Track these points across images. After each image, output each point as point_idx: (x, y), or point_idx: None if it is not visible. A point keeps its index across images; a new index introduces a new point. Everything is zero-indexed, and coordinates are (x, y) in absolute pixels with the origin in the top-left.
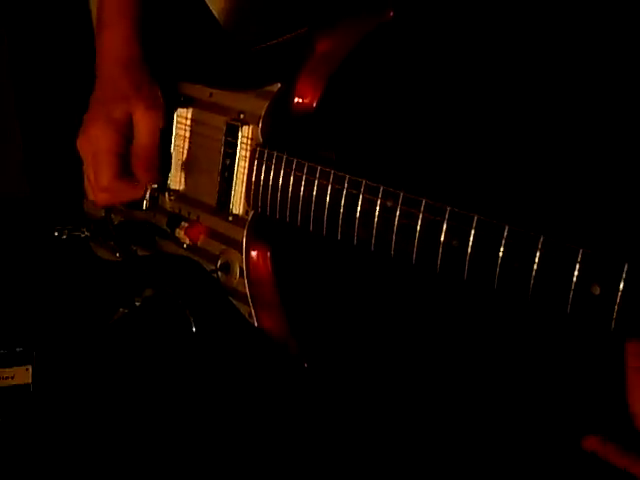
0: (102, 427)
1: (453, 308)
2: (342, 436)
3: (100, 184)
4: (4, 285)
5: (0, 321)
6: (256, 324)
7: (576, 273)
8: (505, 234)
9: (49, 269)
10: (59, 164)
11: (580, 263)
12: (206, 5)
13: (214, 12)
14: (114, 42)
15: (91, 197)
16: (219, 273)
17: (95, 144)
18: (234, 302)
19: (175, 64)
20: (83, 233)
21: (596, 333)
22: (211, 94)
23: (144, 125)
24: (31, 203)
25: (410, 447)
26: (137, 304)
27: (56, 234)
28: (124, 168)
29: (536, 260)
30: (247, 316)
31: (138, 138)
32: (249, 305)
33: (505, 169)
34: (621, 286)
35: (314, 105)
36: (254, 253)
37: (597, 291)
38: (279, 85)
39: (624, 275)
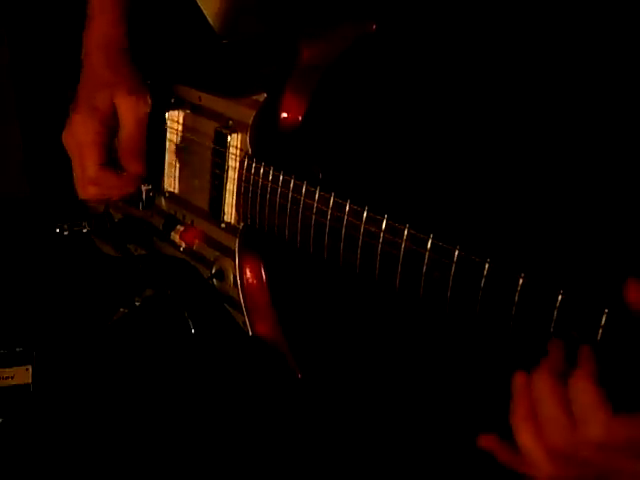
0: (102, 427)
1: (441, 326)
2: (335, 445)
3: (87, 176)
4: (4, 285)
5: (0, 321)
6: (250, 333)
7: (555, 317)
8: (485, 272)
9: (49, 269)
10: (59, 164)
11: (558, 308)
12: (198, 7)
13: (208, 15)
14: (99, 31)
15: (80, 193)
16: (214, 280)
17: (79, 136)
18: (230, 309)
19: (167, 65)
20: (84, 228)
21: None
22: (200, 98)
23: (127, 111)
24: (31, 203)
25: (401, 456)
26: (137, 304)
27: (57, 230)
28: (110, 159)
29: (515, 300)
30: (241, 324)
31: (122, 125)
32: (243, 314)
33: (490, 201)
34: (599, 337)
35: (300, 119)
36: (246, 264)
37: (576, 335)
38: (265, 95)
39: (603, 322)
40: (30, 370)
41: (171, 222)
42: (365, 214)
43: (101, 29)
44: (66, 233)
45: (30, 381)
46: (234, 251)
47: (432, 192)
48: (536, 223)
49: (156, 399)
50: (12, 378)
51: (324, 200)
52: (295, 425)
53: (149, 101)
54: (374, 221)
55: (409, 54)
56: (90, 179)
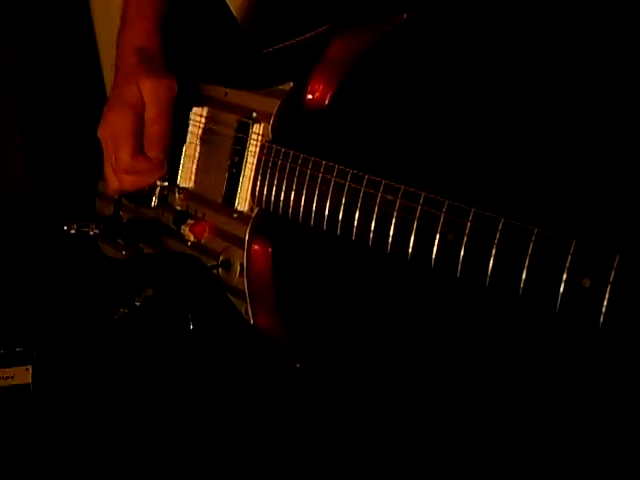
0: (102, 427)
1: (447, 310)
2: (334, 435)
3: (121, 166)
4: (4, 285)
5: (0, 321)
6: (251, 321)
7: (568, 265)
8: (500, 226)
9: (49, 269)
10: (59, 164)
11: (572, 255)
12: (227, 7)
13: (233, 10)
14: (135, 35)
15: (113, 186)
16: (219, 269)
17: (113, 128)
18: (232, 299)
19: (194, 66)
20: (92, 230)
21: (584, 328)
22: (226, 94)
23: (149, 93)
24: (31, 203)
25: (403, 448)
26: (137, 304)
27: (65, 228)
28: (142, 147)
29: (529, 252)
30: (243, 313)
31: (147, 110)
32: (246, 302)
33: (502, 165)
34: (611, 278)
35: (326, 102)
36: (255, 248)
37: (587, 284)
38: (292, 84)
39: (615, 267)
40: (30, 370)
41: (182, 216)
42: (384, 183)
43: (136, 35)
44: (73, 232)
45: (30, 381)
46: (244, 239)
47: (448, 170)
48: (544, 177)
49: (155, 396)
50: (12, 378)
51: (342, 173)
52: (293, 415)
53: (174, 86)
54: (392, 189)
55: (434, 41)
56: (125, 168)
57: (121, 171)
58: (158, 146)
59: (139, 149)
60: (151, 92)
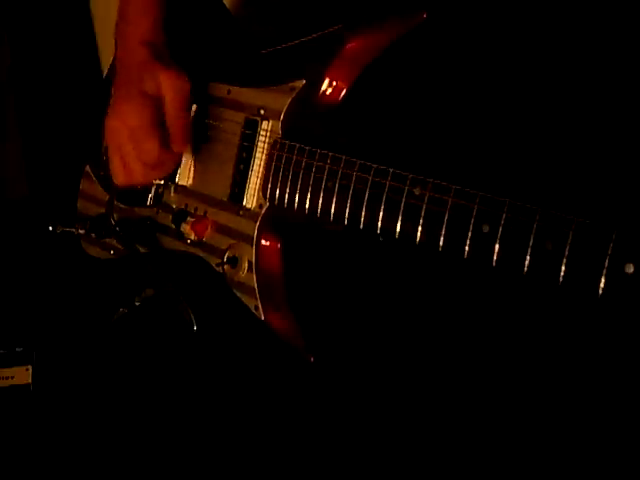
0: (102, 427)
1: (464, 305)
2: (348, 433)
3: (146, 159)
4: (4, 285)
5: (0, 321)
6: (262, 317)
7: (610, 251)
8: (537, 216)
9: (49, 269)
10: (58, 165)
11: (614, 241)
12: (223, 4)
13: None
14: (139, 31)
15: (125, 179)
16: (225, 267)
17: (133, 122)
18: (240, 295)
19: (195, 63)
20: (77, 230)
21: (630, 315)
22: (229, 91)
23: (172, 91)
24: (31, 203)
25: (415, 444)
26: (137, 304)
27: (50, 228)
28: (165, 140)
29: (569, 240)
30: (253, 309)
31: (169, 105)
32: (256, 298)
33: (532, 157)
34: None
35: (340, 98)
36: (265, 244)
37: (631, 270)
38: (304, 81)
39: None
40: (30, 370)
41: (181, 215)
42: (410, 176)
43: (141, 33)
44: (58, 232)
45: (30, 381)
46: (251, 236)
47: (469, 165)
48: (580, 167)
49: (156, 398)
50: (12, 378)
51: (365, 168)
52: (306, 412)
53: (189, 82)
54: (420, 182)
55: (450, 43)
56: (152, 162)
57: (144, 163)
58: (183, 140)
59: (165, 142)
60: (172, 88)
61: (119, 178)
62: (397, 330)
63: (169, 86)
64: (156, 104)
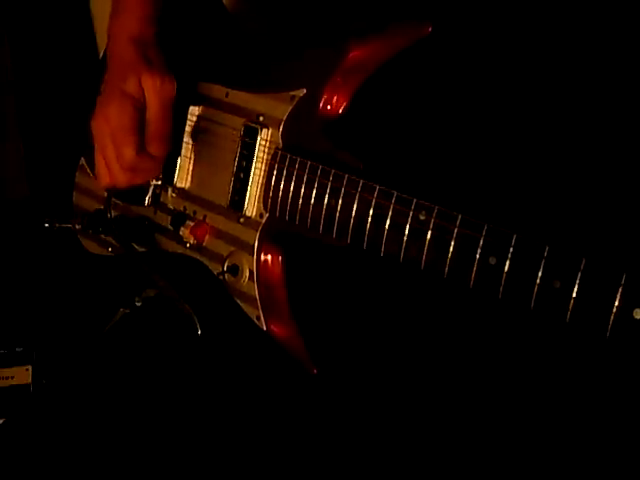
0: (102, 427)
1: (463, 319)
2: (350, 441)
3: (124, 163)
4: (4, 285)
5: (0, 321)
6: (264, 328)
7: (618, 296)
8: (546, 254)
9: (49, 269)
10: (59, 165)
11: (623, 286)
12: (221, 2)
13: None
14: (129, 24)
15: (108, 181)
16: (226, 275)
17: (113, 122)
18: (242, 304)
19: (192, 63)
20: (73, 226)
21: (637, 358)
22: (227, 94)
23: (152, 91)
24: (31, 203)
25: (417, 450)
26: (138, 304)
27: (46, 225)
28: (143, 144)
29: (577, 281)
30: (255, 319)
31: (149, 108)
32: (257, 308)
33: (544, 186)
34: None
35: (340, 112)
36: (266, 256)
37: (638, 315)
38: (305, 91)
39: None
40: (30, 370)
41: (180, 218)
42: (415, 201)
43: (131, 25)
44: (55, 228)
45: (30, 381)
46: (252, 245)
47: (472, 188)
48: (591, 205)
49: (158, 398)
50: (12, 378)
51: (368, 189)
52: (307, 421)
53: (174, 86)
54: (425, 208)
55: (456, 53)
56: (128, 165)
57: (123, 167)
58: (161, 144)
59: (143, 146)
60: (153, 90)
61: (103, 179)
62: (400, 342)
63: (151, 88)
64: (137, 105)
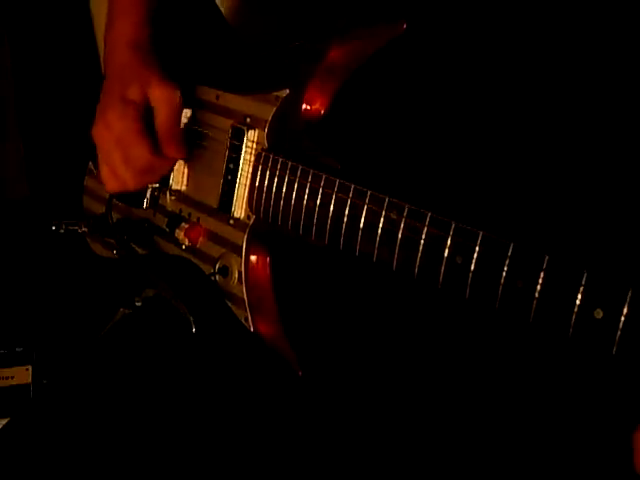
0: (102, 427)
1: (453, 321)
2: (334, 441)
3: (136, 165)
4: (4, 285)
5: (0, 321)
6: (252, 329)
7: (579, 296)
8: (510, 252)
9: (49, 269)
10: (59, 165)
11: (584, 286)
12: (216, 6)
13: (223, 10)
14: (124, 30)
15: (115, 186)
16: (217, 276)
17: (117, 128)
18: (231, 306)
19: (184, 66)
20: (80, 228)
21: (597, 357)
22: (218, 96)
23: (160, 99)
24: (31, 203)
25: (404, 457)
26: (138, 304)
27: (53, 228)
28: (156, 146)
29: (540, 280)
30: (243, 321)
31: (157, 114)
32: (245, 310)
33: (512, 186)
34: (625, 311)
35: (322, 112)
36: (253, 258)
37: (600, 315)
38: (287, 91)
39: (628, 300)
40: (30, 370)
41: (176, 220)
42: (387, 200)
43: (125, 29)
44: (62, 231)
45: (30, 381)
46: (241, 247)
47: (451, 188)
48: (557, 203)
49: (156, 398)
50: (12, 378)
51: (344, 188)
52: (295, 423)
53: (179, 93)
54: (396, 207)
55: (435, 51)
56: (142, 167)
57: (134, 169)
58: (179, 146)
59: (156, 147)
60: (162, 97)
61: (109, 185)
62: (388, 343)
63: (160, 97)
64: (139, 109)
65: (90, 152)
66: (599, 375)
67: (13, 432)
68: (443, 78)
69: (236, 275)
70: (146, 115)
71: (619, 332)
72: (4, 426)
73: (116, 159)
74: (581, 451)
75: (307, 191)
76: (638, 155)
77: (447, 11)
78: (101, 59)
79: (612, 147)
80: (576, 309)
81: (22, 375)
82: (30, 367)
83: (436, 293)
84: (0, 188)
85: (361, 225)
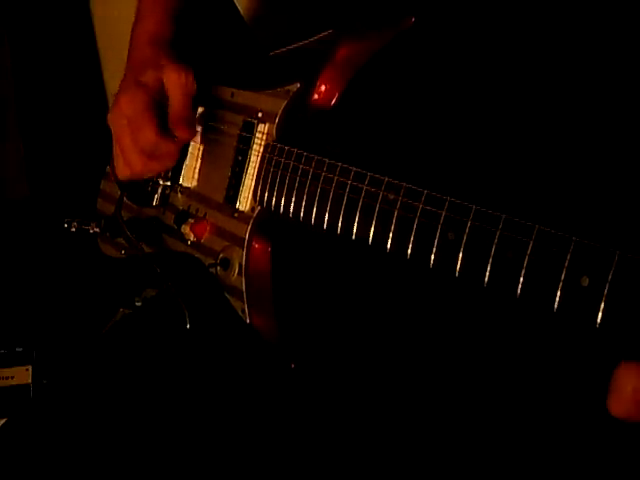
0: (102, 427)
1: (446, 310)
2: (328, 436)
3: (142, 146)
4: (4, 285)
5: (0, 321)
6: (248, 320)
7: (567, 264)
8: (501, 225)
9: (49, 269)
10: (59, 165)
11: (571, 253)
12: (235, 6)
13: (241, 9)
14: (147, 27)
15: (126, 171)
16: (218, 268)
17: (127, 110)
18: (229, 298)
19: (201, 65)
20: (92, 228)
21: (582, 328)
22: (233, 94)
23: (174, 84)
24: (31, 203)
25: (399, 450)
26: (138, 304)
27: (65, 226)
28: (164, 128)
29: (529, 250)
30: (240, 312)
31: (171, 98)
32: (243, 301)
33: (504, 162)
34: (609, 278)
35: (332, 103)
36: (255, 247)
37: (586, 283)
38: (298, 85)
39: (613, 267)
40: (30, 370)
41: (183, 216)
42: (386, 181)
43: (148, 28)
44: (73, 230)
45: (30, 381)
46: (244, 239)
47: (450, 171)
48: (545, 175)
49: (155, 395)
50: (12, 378)
51: (345, 172)
52: (289, 416)
53: (194, 79)
54: (394, 187)
55: (440, 48)
56: (148, 149)
57: (141, 151)
58: (187, 127)
59: (163, 129)
60: (176, 82)
61: (119, 170)
62: (384, 337)
63: (175, 81)
64: (150, 93)
65: (102, 153)
66: (585, 349)
67: (13, 432)
68: (448, 71)
69: (236, 268)
70: (160, 100)
71: (603, 300)
72: (3, 426)
73: (126, 141)
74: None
75: (310, 177)
76: (621, 128)
77: (455, 7)
78: (101, 59)
79: (597, 125)
80: (563, 277)
81: (22, 375)
82: (30, 367)
83: (429, 276)
84: (0, 188)
85: (359, 207)
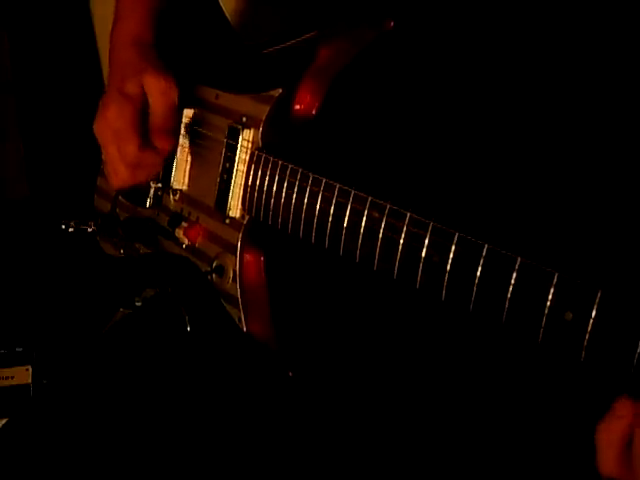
0: (102, 427)
1: (435, 324)
2: (326, 444)
3: (126, 160)
4: (4, 285)
5: (0, 321)
6: (245, 329)
7: (550, 297)
8: (484, 253)
9: (49, 269)
10: (59, 164)
11: (555, 287)
12: (219, 7)
13: (226, 13)
14: (128, 28)
15: (115, 181)
16: (213, 275)
17: (113, 123)
18: (226, 305)
19: (185, 65)
20: (90, 227)
21: (566, 361)
22: (217, 96)
23: (155, 92)
24: (31, 203)
25: (392, 458)
26: (137, 304)
27: (63, 227)
28: (146, 140)
29: (512, 281)
30: (237, 320)
31: (152, 106)
32: (239, 310)
33: (492, 190)
34: (593, 314)
35: (313, 112)
36: (247, 257)
37: (569, 317)
38: (280, 90)
39: (597, 302)
40: (30, 370)
41: (176, 219)
42: (370, 200)
43: (130, 28)
44: (71, 230)
45: (30, 381)
46: (235, 246)
47: (435, 189)
48: (533, 206)
49: (154, 398)
50: (12, 378)
51: (330, 187)
52: (287, 423)
53: (176, 87)
54: (378, 206)
55: (421, 52)
56: (132, 162)
57: (126, 164)
58: (167, 137)
59: (145, 142)
60: (157, 91)
61: (111, 180)
62: (381, 344)
63: (155, 89)
64: (135, 104)
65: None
66: (568, 380)
67: (13, 432)
68: (432, 77)
69: (231, 274)
70: (143, 108)
71: (587, 335)
72: (3, 426)
73: (113, 154)
74: (552, 450)
75: (296, 189)
76: (610, 158)
77: (436, 9)
78: (101, 59)
79: (586, 151)
80: (547, 310)
81: (22, 375)
82: (30, 367)
83: (416, 296)
84: (0, 188)
85: (345, 224)
